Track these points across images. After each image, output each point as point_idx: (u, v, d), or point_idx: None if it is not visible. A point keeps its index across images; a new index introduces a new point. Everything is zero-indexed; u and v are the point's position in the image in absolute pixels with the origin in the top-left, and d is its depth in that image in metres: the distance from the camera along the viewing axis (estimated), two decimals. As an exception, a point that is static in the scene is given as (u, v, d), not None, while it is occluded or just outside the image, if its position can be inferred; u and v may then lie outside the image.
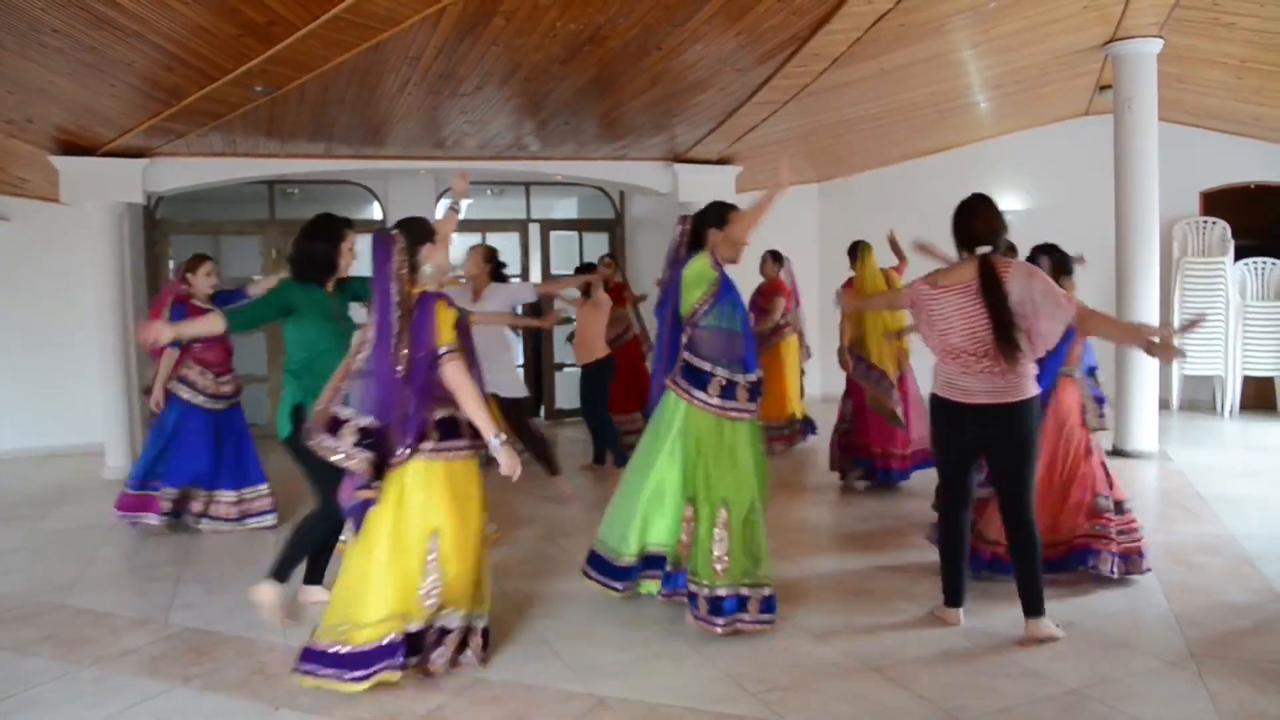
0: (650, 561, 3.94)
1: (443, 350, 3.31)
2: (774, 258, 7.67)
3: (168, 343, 5.02)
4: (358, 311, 4.27)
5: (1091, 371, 4.48)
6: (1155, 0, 6.45)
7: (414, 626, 3.31)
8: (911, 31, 6.33)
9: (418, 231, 3.46)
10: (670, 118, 7.63)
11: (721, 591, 3.70)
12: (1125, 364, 7.25)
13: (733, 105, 7.38)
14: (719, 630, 3.67)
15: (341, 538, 3.99)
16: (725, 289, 3.90)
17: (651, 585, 3.96)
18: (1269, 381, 9.15)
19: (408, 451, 3.32)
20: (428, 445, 3.34)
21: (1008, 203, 9.88)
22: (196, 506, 5.53)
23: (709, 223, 3.96)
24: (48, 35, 4.82)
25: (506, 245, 10.20)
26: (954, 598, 3.85)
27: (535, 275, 10.34)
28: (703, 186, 8.74)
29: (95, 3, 4.42)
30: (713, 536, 3.74)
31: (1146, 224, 7.27)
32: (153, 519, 5.46)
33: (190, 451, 5.49)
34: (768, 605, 3.75)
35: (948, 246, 3.83)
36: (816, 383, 9.72)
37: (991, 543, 4.25)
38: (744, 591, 3.72)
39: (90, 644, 3.80)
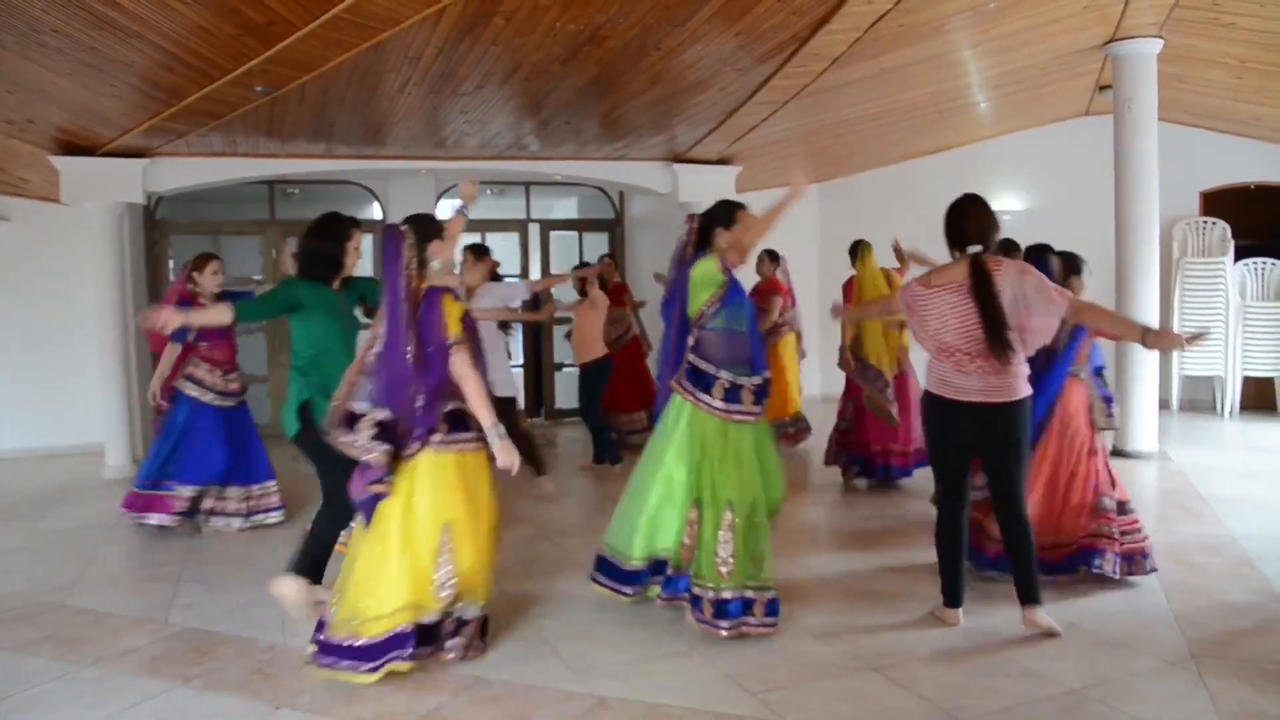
0: (659, 567, 3.90)
1: (450, 342, 3.38)
2: (770, 257, 7.67)
3: (175, 329, 5.03)
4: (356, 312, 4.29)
5: (1099, 371, 4.48)
6: (1155, 0, 6.45)
7: (428, 618, 3.37)
8: (911, 31, 6.34)
9: (426, 228, 3.53)
10: (670, 118, 7.63)
11: (726, 594, 3.68)
12: (1125, 364, 7.25)
13: (733, 105, 7.38)
14: (723, 633, 3.65)
15: (340, 541, 4.00)
16: (733, 291, 3.88)
17: (654, 589, 3.95)
18: (1269, 382, 9.15)
19: (417, 444, 3.39)
20: (436, 437, 3.41)
21: (1008, 203, 9.88)
22: (208, 504, 5.52)
23: (717, 222, 3.94)
24: (48, 35, 4.83)
25: (506, 245, 10.24)
26: (953, 598, 3.85)
27: (535, 275, 10.34)
28: (703, 186, 8.75)
29: (96, 3, 4.42)
30: (717, 539, 3.72)
31: (1146, 224, 7.28)
32: (165, 519, 5.42)
33: (204, 450, 5.48)
34: (772, 608, 3.74)
35: (941, 247, 3.84)
36: (816, 382, 9.73)
37: (997, 540, 4.25)
38: (749, 594, 3.70)
39: (90, 644, 3.80)
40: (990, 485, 3.79)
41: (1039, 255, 4.35)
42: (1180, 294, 9.18)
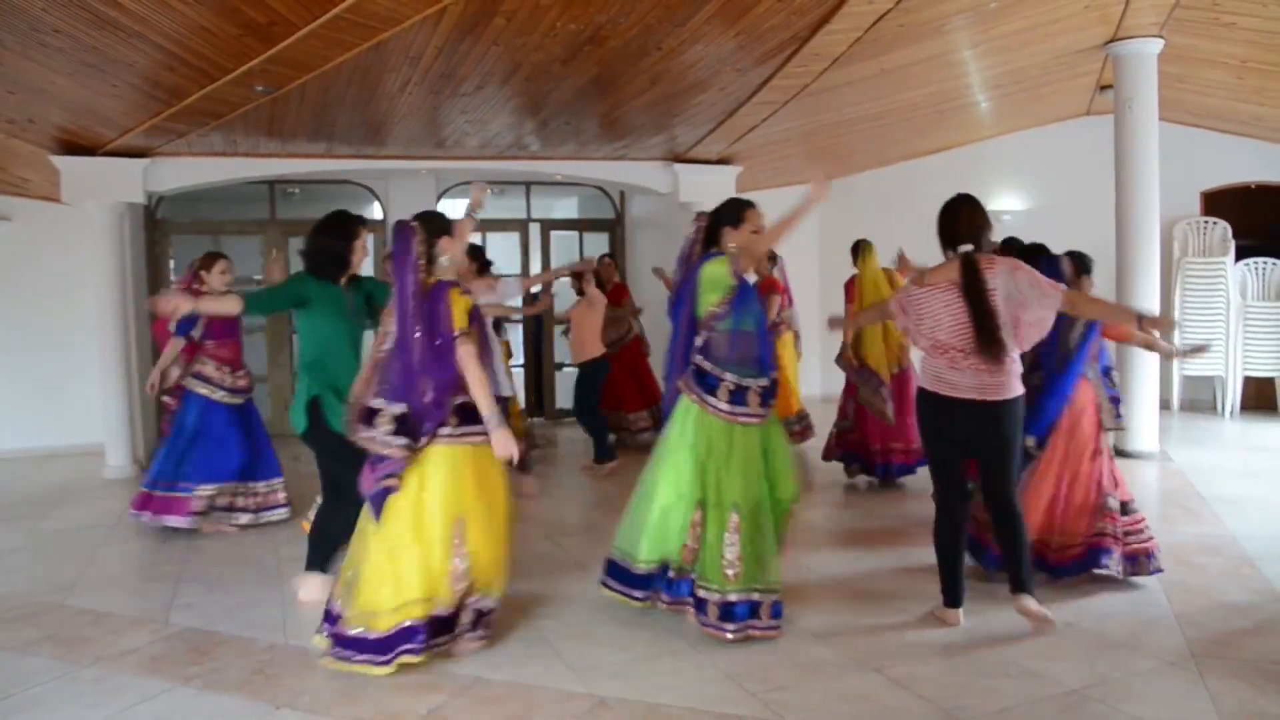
0: (666, 569, 3.87)
1: (457, 334, 3.45)
2: (769, 256, 7.66)
3: (183, 316, 5.02)
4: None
5: (1107, 372, 4.49)
6: (1156, 0, 6.45)
7: (442, 610, 3.44)
8: (912, 31, 6.33)
9: (436, 225, 3.62)
10: (670, 118, 7.63)
11: (733, 597, 3.65)
12: (1126, 364, 7.25)
13: (733, 105, 7.38)
14: (729, 636, 3.62)
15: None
16: (742, 294, 3.84)
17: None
18: (1269, 382, 9.14)
19: (427, 437, 3.46)
20: (445, 430, 3.49)
21: (1008, 203, 9.88)
22: (224, 502, 5.51)
23: (724, 221, 3.91)
24: (49, 35, 4.83)
25: (507, 245, 10.25)
26: (953, 598, 3.86)
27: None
28: (703, 186, 8.74)
29: (97, 3, 4.42)
30: (724, 541, 3.68)
31: (1147, 224, 7.27)
32: (183, 520, 5.38)
33: (220, 449, 5.47)
34: (776, 611, 3.72)
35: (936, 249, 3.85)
36: (816, 382, 9.72)
37: None
38: (755, 597, 3.67)
39: (90, 644, 3.80)
40: (982, 482, 3.81)
41: (1039, 255, 4.37)
42: (1181, 294, 9.18)
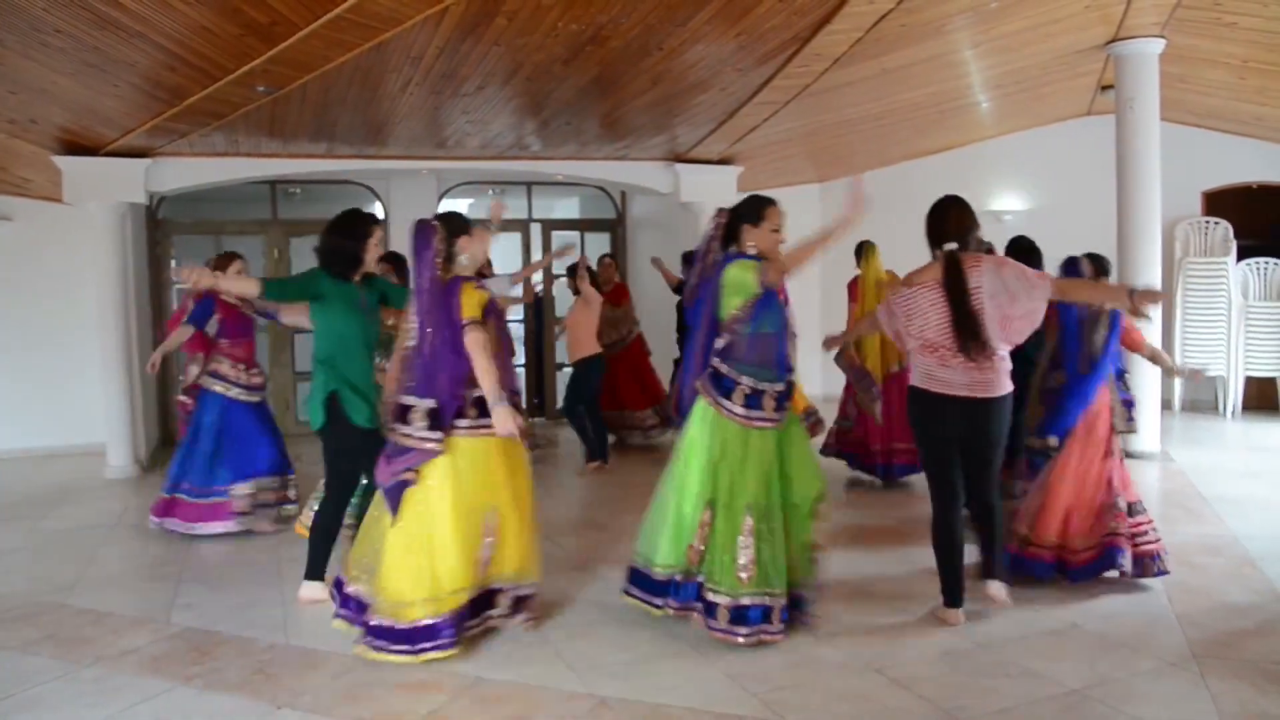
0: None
1: (464, 322, 3.54)
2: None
3: (205, 289, 5.03)
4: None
5: (1120, 375, 4.49)
6: (1157, 0, 6.44)
7: (469, 595, 3.56)
8: (913, 31, 6.33)
9: (456, 224, 3.76)
10: (671, 118, 7.63)
11: (746, 600, 3.60)
12: (1127, 365, 7.23)
13: (734, 105, 7.38)
14: (741, 641, 3.57)
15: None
16: (766, 299, 3.78)
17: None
18: (1271, 382, 9.13)
19: (443, 431, 3.56)
20: (465, 422, 3.60)
21: (1009, 203, 9.88)
22: (267, 498, 5.52)
23: (744, 218, 3.86)
24: (50, 35, 4.83)
25: (508, 245, 10.24)
26: (954, 598, 3.85)
27: (535, 277, 10.33)
28: (704, 187, 8.75)
29: (98, 3, 4.42)
30: (737, 544, 3.63)
31: (1148, 224, 7.27)
32: (228, 525, 5.34)
33: (249, 445, 5.49)
34: (784, 613, 3.69)
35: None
36: (817, 382, 9.71)
37: (1022, 539, 4.25)
38: (768, 601, 3.62)
39: (91, 644, 3.80)
40: (966, 479, 3.81)
41: (1035, 255, 4.38)
42: (1182, 294, 9.17)
